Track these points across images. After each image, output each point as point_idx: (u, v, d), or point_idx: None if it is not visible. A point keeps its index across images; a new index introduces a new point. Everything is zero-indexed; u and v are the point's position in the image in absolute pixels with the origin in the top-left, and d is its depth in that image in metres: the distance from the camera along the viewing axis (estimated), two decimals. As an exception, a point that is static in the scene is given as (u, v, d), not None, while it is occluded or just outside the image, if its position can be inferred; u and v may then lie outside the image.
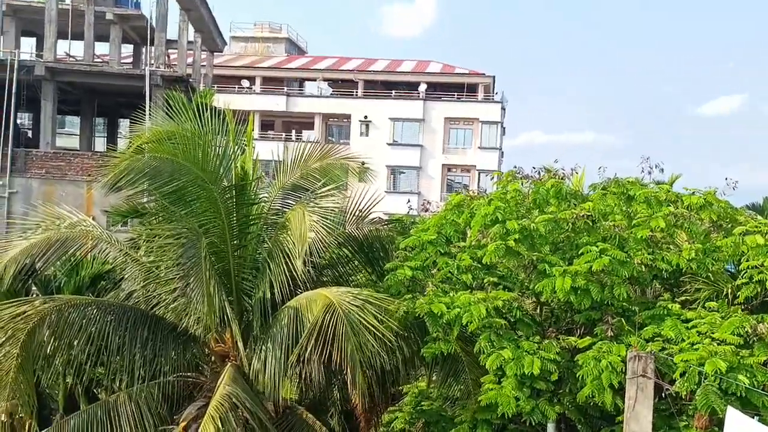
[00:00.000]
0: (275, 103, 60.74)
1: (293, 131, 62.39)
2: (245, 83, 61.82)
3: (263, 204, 13.15)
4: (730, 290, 12.12)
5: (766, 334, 10.56)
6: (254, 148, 13.79)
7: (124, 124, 40.76)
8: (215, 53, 44.00)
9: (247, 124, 13.45)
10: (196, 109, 12.53)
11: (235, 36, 69.26)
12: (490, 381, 11.73)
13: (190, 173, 11.49)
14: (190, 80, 34.34)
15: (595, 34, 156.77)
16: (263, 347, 11.14)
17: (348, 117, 60.70)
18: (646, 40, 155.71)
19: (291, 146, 14.94)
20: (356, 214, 14.67)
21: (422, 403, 15.65)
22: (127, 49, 41.31)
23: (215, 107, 14.77)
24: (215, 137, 12.48)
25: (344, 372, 10.71)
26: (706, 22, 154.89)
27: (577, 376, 11.04)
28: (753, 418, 9.39)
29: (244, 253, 12.31)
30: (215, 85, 46.56)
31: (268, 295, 11.55)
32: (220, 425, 9.72)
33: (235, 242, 12.10)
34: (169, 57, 37.55)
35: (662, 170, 15.25)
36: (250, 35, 69.83)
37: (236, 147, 12.91)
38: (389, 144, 58.46)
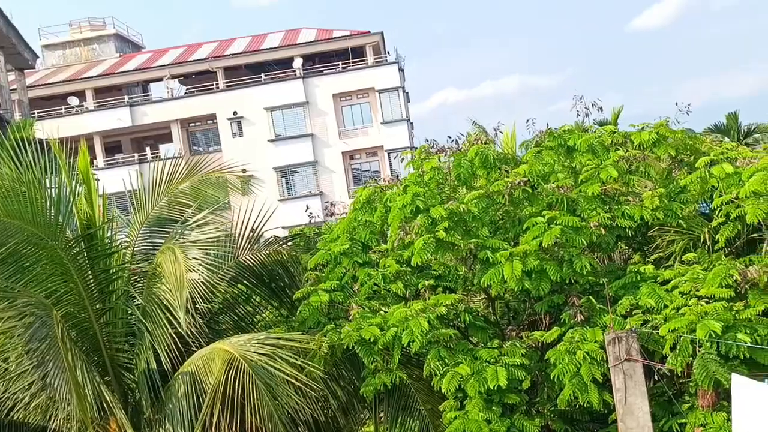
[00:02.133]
0: (116, 118, 59.41)
1: (147, 148, 61.23)
2: (73, 101, 60.31)
3: (124, 250, 12.87)
4: (707, 235, 12.59)
5: (758, 277, 11.03)
6: (97, 180, 13.48)
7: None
8: (26, 71, 42.75)
9: (84, 152, 13.07)
10: (13, 148, 12.15)
11: (47, 44, 67.39)
12: (451, 407, 11.88)
13: (19, 231, 11.13)
14: (0, 111, 33.25)
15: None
16: (161, 430, 10.93)
17: (212, 117, 59.97)
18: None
19: (146, 168, 14.67)
20: (247, 237, 14.54)
21: (377, 453, 15.72)
22: None
23: (39, 139, 14.35)
24: (44, 178, 12.14)
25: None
26: None
27: (552, 377, 11.29)
28: (764, 380, 9.80)
29: (113, 318, 12.05)
30: (34, 112, 45.27)
31: (154, 364, 11.33)
32: None
33: (97, 306, 11.82)
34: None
35: (600, 108, 15.74)
36: (67, 39, 68.09)
37: (74, 184, 12.57)
38: (271, 140, 58.11)
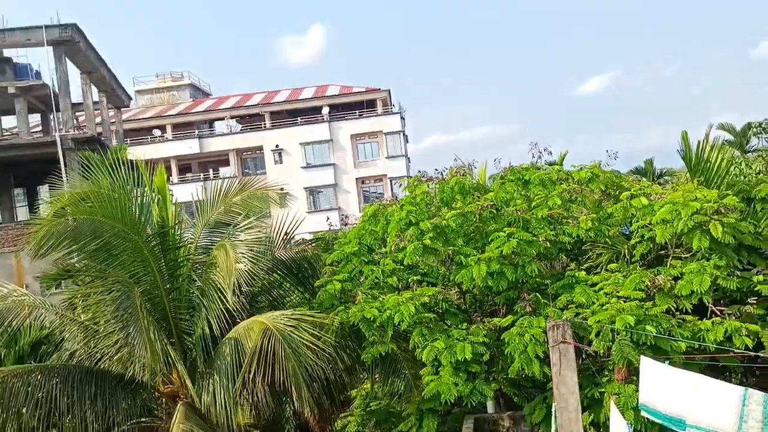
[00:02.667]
0: (188, 146, 59.57)
1: (210, 170, 61.23)
2: (156, 132, 60.42)
3: (189, 245, 12.87)
4: (626, 250, 12.56)
5: (663, 284, 11.00)
6: (172, 192, 13.50)
7: (43, 190, 39.14)
8: (122, 109, 42.84)
9: (162, 171, 13.10)
10: (111, 166, 12.20)
11: (139, 90, 67.58)
12: (428, 373, 11.83)
13: (112, 228, 11.16)
14: (102, 138, 33.33)
15: (477, 35, 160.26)
16: (210, 381, 10.89)
17: (260, 149, 60.09)
18: (518, 36, 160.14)
19: (209, 185, 14.68)
20: (282, 238, 14.55)
21: (371, 404, 15.64)
22: (35, 118, 39.77)
23: (130, 160, 14.39)
24: (132, 189, 12.18)
25: (291, 390, 10.56)
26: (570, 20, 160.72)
27: (506, 353, 11.25)
28: (664, 362, 9.77)
29: (178, 295, 12.03)
30: (127, 140, 45.36)
31: (207, 331, 11.32)
32: (180, 463, 9.46)
33: (167, 286, 11.80)
34: (77, 119, 36.35)
35: (550, 152, 15.77)
36: (153, 86, 68.24)
37: (154, 194, 12.60)
38: (303, 167, 58.18)
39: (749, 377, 12.27)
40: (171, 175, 54.23)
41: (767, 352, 10.00)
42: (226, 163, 61.01)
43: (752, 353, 10.12)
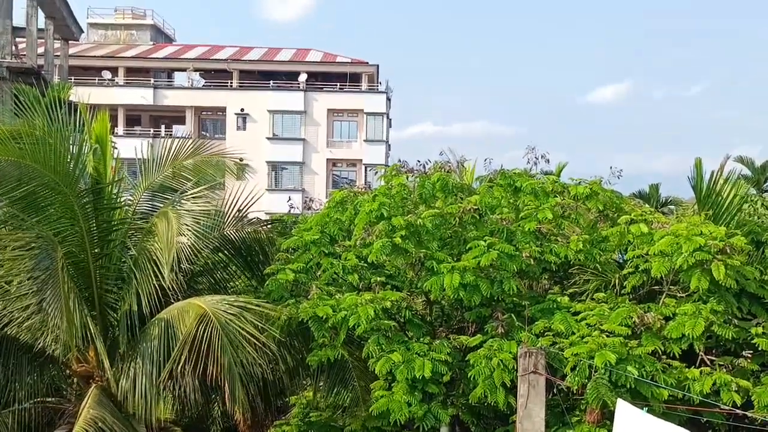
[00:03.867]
0: (141, 96, 58.91)
1: (162, 126, 60.71)
2: (106, 75, 59.60)
3: (127, 208, 12.71)
4: (617, 280, 12.71)
5: (653, 323, 11.15)
6: (114, 145, 13.31)
7: (-34, 121, 38.35)
8: (70, 42, 42.15)
9: (104, 118, 12.91)
10: (49, 105, 11.99)
11: (93, 23, 66.59)
12: (380, 387, 11.85)
13: (40, 176, 10.98)
14: (42, 72, 32.74)
15: (487, 23, 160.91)
16: (132, 365, 10.78)
17: (223, 110, 59.66)
18: (531, 30, 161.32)
19: (158, 143, 14.50)
20: (234, 215, 14.42)
21: (310, 415, 15.62)
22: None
23: (71, 102, 14.15)
24: (70, 135, 11.98)
25: (223, 386, 10.50)
26: (590, 17, 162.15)
27: (469, 376, 11.31)
28: (642, 409, 9.91)
29: (107, 263, 11.88)
30: (72, 78, 44.60)
31: (135, 308, 11.19)
32: (84, 455, 9.35)
33: (96, 251, 11.65)
34: (17, 47, 35.66)
35: (548, 160, 15.83)
36: (110, 22, 67.31)
37: (95, 145, 12.41)
38: (269, 138, 57.90)
39: (732, 437, 12.52)
40: (116, 126, 53.58)
41: (757, 412, 10.19)
42: (182, 120, 60.47)
43: (740, 411, 10.30)
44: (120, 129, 55.77)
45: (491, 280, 12.01)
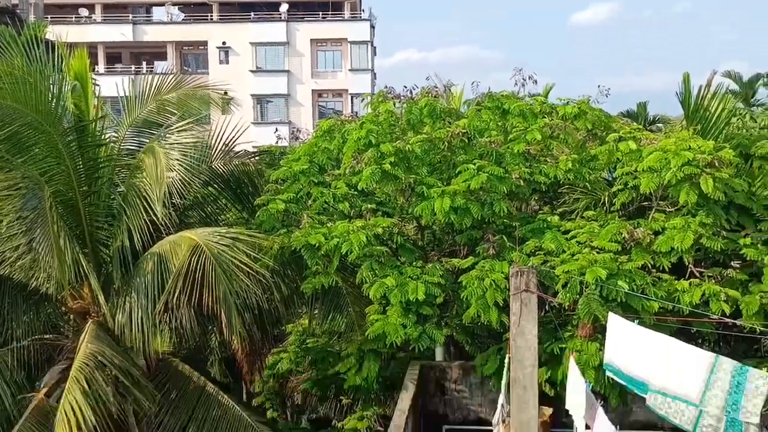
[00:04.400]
0: (120, 32, 57.72)
1: (144, 63, 59.69)
2: (83, 12, 58.26)
3: (112, 145, 12.59)
4: (607, 198, 12.81)
5: (642, 238, 11.27)
6: (96, 83, 13.12)
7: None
8: (44, -22, 41.14)
9: (83, 55, 12.68)
10: (26, 44, 11.74)
11: (66, -42, 64.78)
12: (374, 311, 12.02)
13: (22, 115, 10.82)
14: (17, 11, 32.00)
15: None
16: (127, 300, 10.83)
17: (204, 44, 58.59)
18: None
19: (140, 79, 14.27)
20: (221, 148, 14.32)
21: (307, 341, 15.88)
22: (-63, -22, 37.84)
23: (48, 41, 13.85)
24: (50, 74, 11.77)
25: (219, 317, 10.60)
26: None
27: (462, 297, 11.46)
28: (633, 321, 10.09)
29: (96, 200, 11.83)
30: (47, 16, 43.59)
31: (127, 243, 11.18)
32: (86, 386, 9.45)
33: (84, 188, 11.58)
34: (-12, -15, 34.75)
35: (536, 81, 15.76)
36: (83, -43, 65.51)
37: (75, 83, 12.22)
38: (252, 71, 57.06)
39: (723, 346, 12.82)
40: (97, 64, 52.69)
41: (745, 320, 10.40)
42: (163, 56, 59.42)
43: (729, 320, 10.52)
44: (101, 67, 54.82)
45: (481, 203, 12.08)
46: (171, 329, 12.25)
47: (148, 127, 13.21)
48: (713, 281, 10.96)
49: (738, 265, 11.35)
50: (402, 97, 14.73)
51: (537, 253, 11.74)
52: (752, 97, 30.64)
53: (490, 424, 12.03)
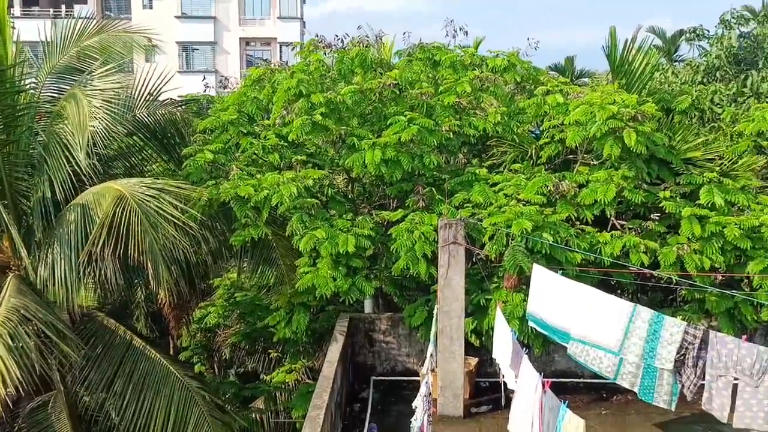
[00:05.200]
0: (37, -27, 55.23)
1: (63, 6, 57.29)
2: (-4, -50, 55.44)
3: (32, 91, 12.15)
4: (534, 151, 13.04)
5: (567, 191, 11.55)
6: (13, 27, 12.57)
7: None
8: None
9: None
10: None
11: None
12: (305, 264, 12.03)
13: (-67, 59, 10.34)
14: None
15: None
16: (49, 252, 10.56)
17: (127, -13, 56.63)
18: None
19: (60, 23, 13.73)
20: (145, 97, 13.93)
21: (235, 295, 15.84)
22: None
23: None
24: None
25: (146, 270, 10.45)
26: None
27: (392, 249, 11.57)
28: (557, 272, 10.41)
29: (15, 150, 11.42)
30: (-43, -47, 41.30)
31: (49, 194, 10.89)
32: (10, 342, 9.23)
33: (2, 137, 11.18)
34: None
35: (466, 32, 15.78)
36: None
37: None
38: (178, 17, 55.42)
39: (641, 296, 13.33)
40: (12, 7, 50.30)
41: (663, 271, 10.83)
42: (83, 0, 57.14)
43: (647, 271, 10.94)
44: (17, 10, 52.40)
45: (412, 155, 12.13)
46: (96, 283, 12.05)
47: (70, 73, 12.79)
48: (633, 233, 11.34)
49: (657, 218, 11.77)
50: (333, 47, 14.57)
51: (465, 205, 11.90)
52: (675, 53, 31.36)
53: (418, 375, 12.31)
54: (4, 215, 10.76)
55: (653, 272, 11.06)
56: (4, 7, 11.87)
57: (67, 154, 10.83)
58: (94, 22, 13.76)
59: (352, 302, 12.14)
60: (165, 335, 15.86)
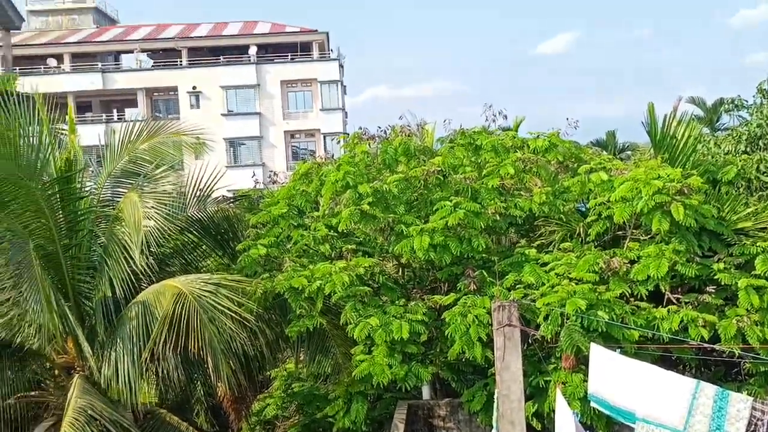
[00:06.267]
0: (89, 81, 57.70)
1: (114, 111, 59.63)
2: (52, 62, 58.26)
3: (92, 196, 12.65)
4: (581, 229, 13.02)
5: (619, 267, 11.49)
6: (64, 133, 13.21)
7: None
8: (11, 31, 41.16)
9: (65, 107, 12.79)
10: (-1, 98, 11.81)
11: (33, 10, 64.84)
12: (360, 352, 12.07)
13: (1, 170, 10.86)
14: (-14, 64, 32.00)
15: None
16: (112, 352, 10.82)
17: (174, 89, 58.74)
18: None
19: (116, 128, 14.34)
20: (197, 194, 14.38)
21: (293, 386, 15.84)
22: None
23: (20, 93, 13.93)
24: (26, 127, 11.84)
25: (205, 364, 10.61)
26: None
27: (446, 334, 11.56)
28: (615, 351, 10.26)
29: (77, 253, 11.84)
30: (16, 68, 43.61)
31: (110, 294, 11.21)
32: (79, 441, 9.42)
33: (65, 242, 11.60)
34: (-44, 39, 34.76)
35: (506, 116, 16.06)
36: (50, 7, 65.64)
37: (52, 135, 12.30)
38: (224, 114, 57.25)
39: (703, 371, 13.00)
40: (66, 114, 52.50)
41: (724, 345, 10.60)
42: (134, 103, 59.42)
43: (708, 345, 10.71)
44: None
45: (460, 239, 12.23)
46: (157, 378, 12.22)
47: (125, 177, 13.30)
48: (690, 307, 11.17)
49: (713, 290, 11.59)
50: (377, 138, 14.94)
51: (517, 286, 11.89)
52: (717, 122, 31.29)
53: (480, 459, 12.08)
54: (69, 317, 11.06)
55: (714, 346, 10.83)
56: (72, 116, 12.47)
57: (126, 254, 11.18)
58: (146, 124, 14.32)
59: (409, 389, 12.07)
60: (225, 429, 15.86)
